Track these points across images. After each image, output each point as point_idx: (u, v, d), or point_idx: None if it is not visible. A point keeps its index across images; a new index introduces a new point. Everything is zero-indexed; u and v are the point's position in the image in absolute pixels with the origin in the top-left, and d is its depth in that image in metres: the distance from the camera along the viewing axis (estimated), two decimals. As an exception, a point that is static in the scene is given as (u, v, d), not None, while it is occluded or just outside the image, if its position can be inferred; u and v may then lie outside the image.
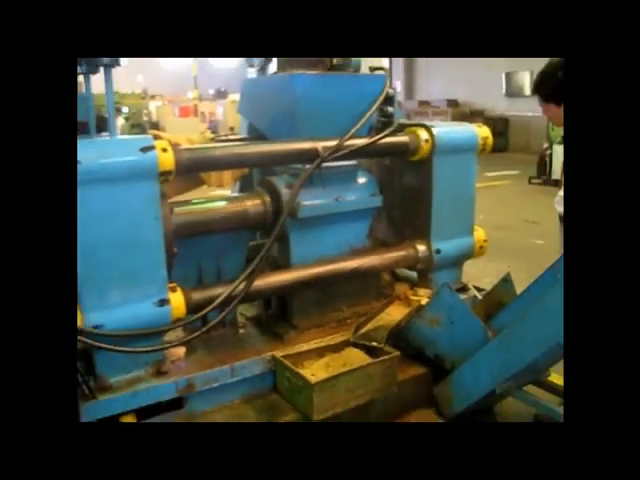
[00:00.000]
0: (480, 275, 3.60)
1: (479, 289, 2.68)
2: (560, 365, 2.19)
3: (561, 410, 1.96)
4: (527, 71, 11.71)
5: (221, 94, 16.26)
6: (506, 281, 2.37)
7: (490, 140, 2.54)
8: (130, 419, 1.87)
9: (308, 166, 2.18)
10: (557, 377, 2.37)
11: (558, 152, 7.40)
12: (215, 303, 2.00)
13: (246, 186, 2.63)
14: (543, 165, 7.90)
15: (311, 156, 2.17)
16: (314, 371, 2.21)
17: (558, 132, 7.53)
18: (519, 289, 2.19)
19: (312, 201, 2.36)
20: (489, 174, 8.57)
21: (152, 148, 1.82)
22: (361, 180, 2.53)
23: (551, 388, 2.23)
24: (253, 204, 2.25)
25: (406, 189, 2.66)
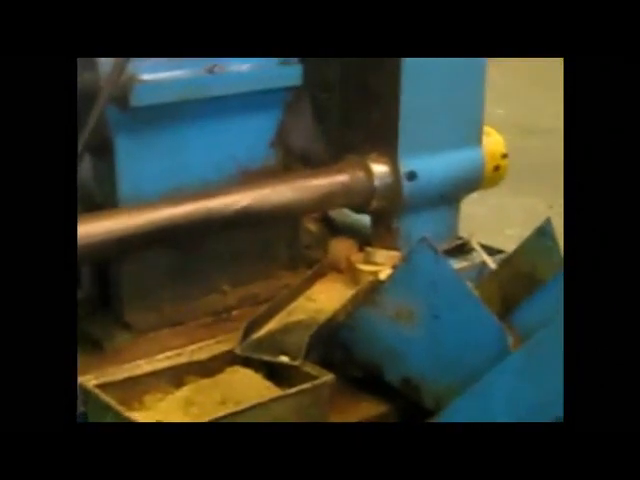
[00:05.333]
0: (496, 222, 3.04)
1: (492, 250, 2.13)
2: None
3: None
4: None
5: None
6: (544, 234, 1.78)
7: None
8: None
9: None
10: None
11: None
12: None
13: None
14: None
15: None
16: (163, 414, 1.62)
17: None
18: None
19: (159, 73, 1.73)
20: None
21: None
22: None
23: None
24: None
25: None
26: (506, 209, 3.22)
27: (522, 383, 1.61)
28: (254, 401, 1.63)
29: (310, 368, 1.72)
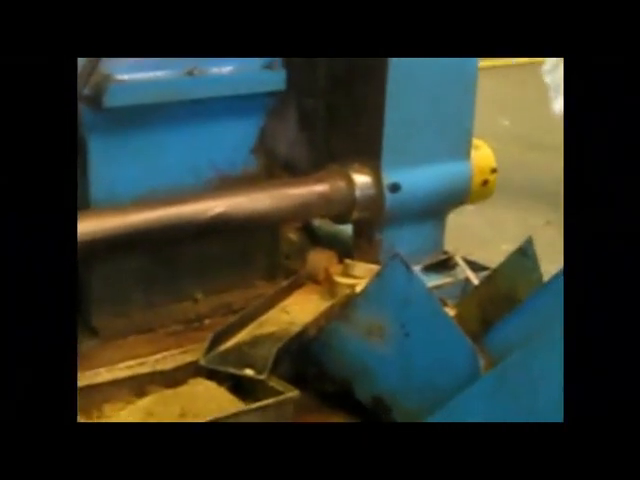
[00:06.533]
0: (493, 236, 2.88)
1: (477, 266, 2.03)
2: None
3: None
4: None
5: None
6: (524, 254, 1.69)
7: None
8: None
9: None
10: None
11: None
12: None
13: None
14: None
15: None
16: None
17: None
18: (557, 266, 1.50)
19: (136, 74, 1.67)
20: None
21: None
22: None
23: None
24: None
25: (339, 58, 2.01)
26: (503, 223, 3.13)
27: (492, 407, 1.50)
28: (213, 415, 1.54)
29: (275, 383, 1.63)
